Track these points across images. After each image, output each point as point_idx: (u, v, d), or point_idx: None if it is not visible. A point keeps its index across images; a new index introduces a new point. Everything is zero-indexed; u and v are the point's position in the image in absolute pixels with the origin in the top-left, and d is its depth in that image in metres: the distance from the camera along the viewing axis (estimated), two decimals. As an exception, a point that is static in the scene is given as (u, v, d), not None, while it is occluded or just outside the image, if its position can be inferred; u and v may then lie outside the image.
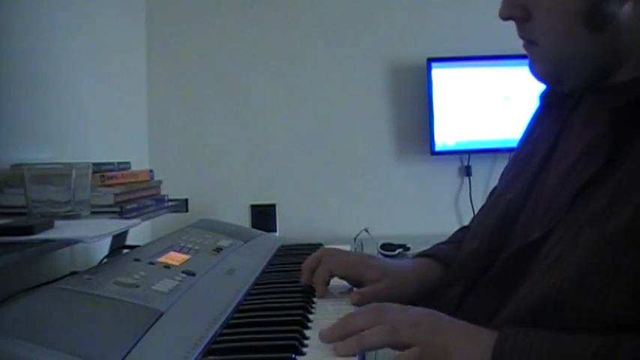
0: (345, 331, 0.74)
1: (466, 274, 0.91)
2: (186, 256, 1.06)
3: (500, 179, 1.03)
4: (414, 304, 0.80)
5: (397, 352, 0.71)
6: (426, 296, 0.99)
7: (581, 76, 0.82)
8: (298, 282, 1.04)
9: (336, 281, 1.05)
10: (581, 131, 0.85)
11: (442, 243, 1.14)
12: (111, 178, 1.40)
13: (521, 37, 0.84)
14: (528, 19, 0.81)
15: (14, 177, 1.22)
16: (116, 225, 1.12)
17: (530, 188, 0.90)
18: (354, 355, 0.72)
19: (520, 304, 0.75)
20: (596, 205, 0.74)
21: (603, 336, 0.66)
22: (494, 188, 1.05)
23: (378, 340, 0.72)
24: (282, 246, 1.42)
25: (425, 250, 1.11)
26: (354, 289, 1.04)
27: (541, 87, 0.95)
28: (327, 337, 0.75)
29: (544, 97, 0.97)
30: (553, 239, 0.77)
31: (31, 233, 0.94)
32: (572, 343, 0.67)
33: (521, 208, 0.89)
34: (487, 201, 1.06)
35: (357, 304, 0.95)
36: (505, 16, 0.83)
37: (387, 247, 2.22)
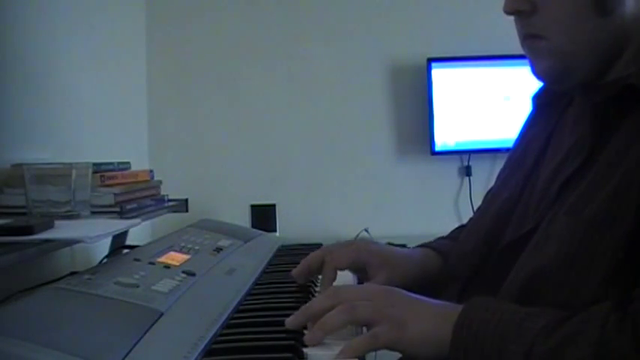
0: (306, 317, 0.78)
1: (462, 274, 0.93)
2: (186, 256, 1.06)
3: (496, 181, 1.04)
4: (414, 292, 0.81)
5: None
6: (425, 286, 1.00)
7: (586, 68, 0.81)
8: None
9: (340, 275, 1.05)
10: (571, 130, 0.87)
11: (441, 238, 1.15)
12: (111, 178, 1.39)
13: (525, 33, 0.84)
14: (534, 12, 0.81)
15: (14, 177, 1.22)
16: (116, 225, 1.12)
17: (524, 187, 0.92)
18: (321, 342, 0.75)
19: (504, 293, 0.79)
20: (575, 196, 0.77)
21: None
22: (490, 190, 1.06)
23: (338, 320, 0.75)
24: (282, 246, 1.42)
25: (426, 243, 1.12)
26: (355, 281, 1.05)
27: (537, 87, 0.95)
28: (291, 324, 0.78)
29: (536, 99, 0.98)
30: (537, 233, 0.80)
31: (31, 233, 0.93)
32: (535, 309, 0.71)
33: (515, 206, 0.92)
34: (483, 202, 1.07)
35: None
36: (511, 10, 0.82)
37: (387, 247, 2.21)
